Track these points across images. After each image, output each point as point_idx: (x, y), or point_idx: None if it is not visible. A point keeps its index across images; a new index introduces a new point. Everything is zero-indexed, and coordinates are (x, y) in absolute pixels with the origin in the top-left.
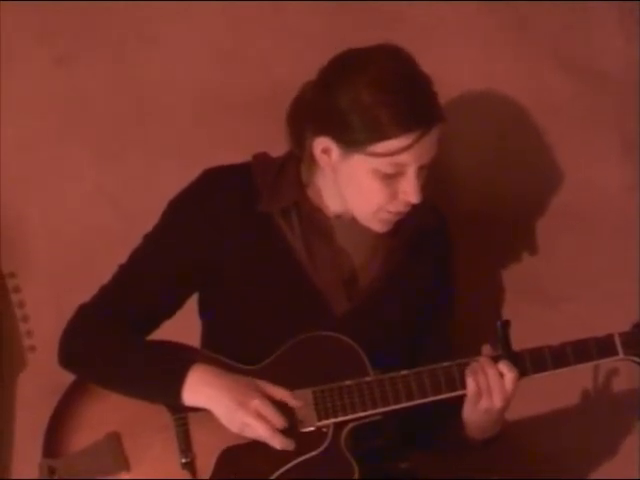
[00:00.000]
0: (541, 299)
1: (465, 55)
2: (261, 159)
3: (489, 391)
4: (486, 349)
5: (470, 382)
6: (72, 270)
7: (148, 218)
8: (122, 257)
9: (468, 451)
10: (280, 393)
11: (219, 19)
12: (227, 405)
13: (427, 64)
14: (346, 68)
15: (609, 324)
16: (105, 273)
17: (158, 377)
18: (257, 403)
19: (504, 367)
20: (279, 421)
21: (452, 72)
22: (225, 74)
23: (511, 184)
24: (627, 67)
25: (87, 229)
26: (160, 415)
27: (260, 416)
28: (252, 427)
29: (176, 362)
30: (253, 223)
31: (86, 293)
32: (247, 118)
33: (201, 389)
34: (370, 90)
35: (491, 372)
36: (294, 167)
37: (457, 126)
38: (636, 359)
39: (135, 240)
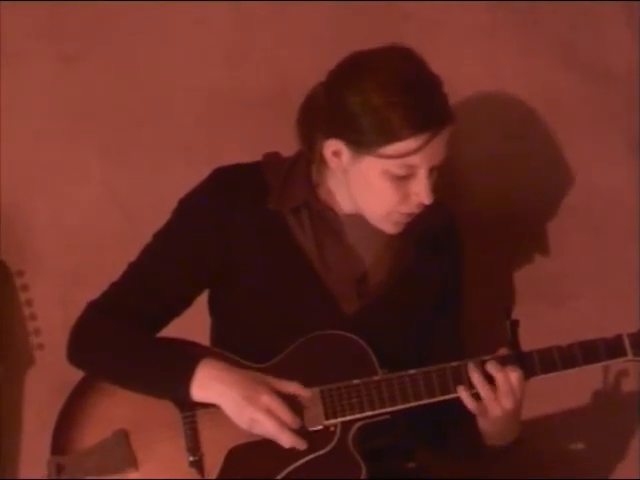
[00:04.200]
0: (549, 297)
1: (472, 54)
2: (271, 158)
3: (490, 399)
4: (502, 352)
5: (465, 398)
6: (80, 269)
7: (155, 217)
8: (129, 256)
9: (490, 459)
10: (290, 386)
11: (228, 18)
12: (236, 400)
13: (434, 63)
14: (356, 70)
15: (617, 322)
16: (112, 272)
17: (167, 372)
18: (266, 399)
19: (492, 369)
20: (288, 417)
21: (459, 71)
22: (233, 74)
23: (518, 183)
24: (634, 66)
25: (95, 228)
26: (168, 413)
27: (269, 412)
28: (260, 423)
29: (185, 358)
30: (264, 222)
31: (94, 291)
32: (256, 118)
33: (210, 384)
34: (380, 92)
35: (478, 381)
36: (304, 167)
37: (465, 125)
38: None
39: (142, 239)
